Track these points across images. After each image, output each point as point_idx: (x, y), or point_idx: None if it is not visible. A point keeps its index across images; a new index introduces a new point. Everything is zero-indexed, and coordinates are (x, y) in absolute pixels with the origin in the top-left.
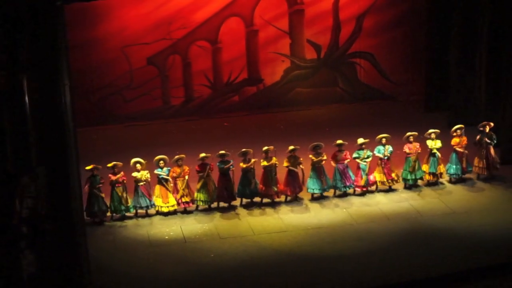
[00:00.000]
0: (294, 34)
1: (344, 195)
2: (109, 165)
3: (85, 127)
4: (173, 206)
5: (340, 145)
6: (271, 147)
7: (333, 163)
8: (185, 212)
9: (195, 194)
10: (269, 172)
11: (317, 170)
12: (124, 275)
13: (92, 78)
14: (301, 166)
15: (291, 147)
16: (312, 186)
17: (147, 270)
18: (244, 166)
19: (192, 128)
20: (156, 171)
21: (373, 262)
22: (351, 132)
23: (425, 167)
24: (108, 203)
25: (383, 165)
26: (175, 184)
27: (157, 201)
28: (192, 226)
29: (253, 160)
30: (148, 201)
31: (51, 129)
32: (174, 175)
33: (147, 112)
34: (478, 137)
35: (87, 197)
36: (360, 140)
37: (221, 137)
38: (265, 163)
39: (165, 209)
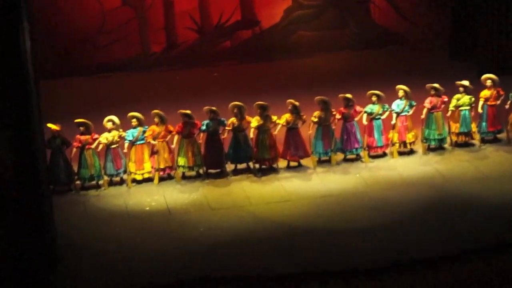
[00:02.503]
0: None
1: (357, 158)
2: (77, 120)
3: (49, 79)
4: (149, 173)
5: (348, 99)
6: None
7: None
8: (169, 178)
9: (176, 159)
10: (263, 133)
11: (324, 129)
12: (99, 252)
13: (57, 21)
14: (302, 122)
15: (291, 102)
16: (318, 148)
17: (125, 246)
18: (236, 123)
19: (175, 79)
20: (125, 135)
21: (391, 236)
22: (363, 83)
23: (453, 126)
24: (76, 169)
25: (400, 123)
26: (154, 146)
27: (131, 166)
28: (177, 195)
29: (248, 118)
30: (113, 169)
31: (9, 82)
32: (151, 136)
33: (122, 61)
34: None
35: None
36: (373, 93)
37: (210, 89)
38: (256, 122)
39: (138, 177)
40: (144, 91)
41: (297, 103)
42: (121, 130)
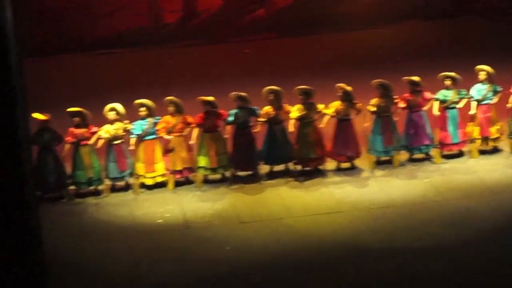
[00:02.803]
0: None
1: (426, 158)
2: (71, 109)
3: (37, 57)
4: (162, 175)
5: (415, 83)
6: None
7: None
8: (187, 183)
9: (196, 158)
10: (307, 126)
11: (383, 122)
12: (98, 276)
13: None
14: (356, 112)
15: (342, 86)
16: (376, 146)
17: (131, 270)
18: (272, 113)
19: (195, 57)
20: (132, 128)
21: (469, 257)
22: (433, 62)
23: None
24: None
25: (481, 114)
26: (168, 143)
27: (139, 168)
28: (197, 204)
29: (287, 107)
30: (116, 170)
31: None
32: (164, 128)
33: (128, 34)
34: None
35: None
36: (447, 75)
37: (239, 70)
38: (298, 112)
39: (148, 181)
40: (155, 72)
41: (349, 88)
42: (126, 121)
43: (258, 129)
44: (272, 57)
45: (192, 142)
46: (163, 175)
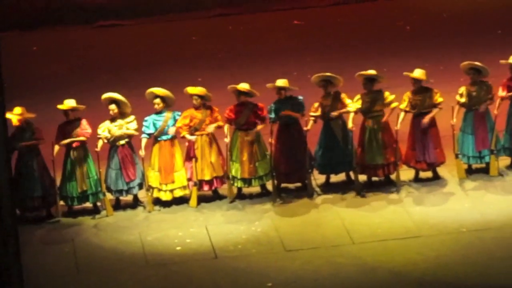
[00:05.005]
0: None
1: None
2: (61, 106)
3: (15, 30)
4: (183, 188)
5: None
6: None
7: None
8: (215, 199)
9: (228, 165)
10: (373, 123)
11: (476, 117)
12: None
13: None
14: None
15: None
16: (465, 149)
17: None
18: (326, 106)
19: (228, 30)
20: (142, 125)
21: None
22: None
23: None
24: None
25: None
26: (191, 146)
27: (152, 178)
28: (228, 227)
29: (346, 98)
30: (121, 181)
31: None
32: (187, 126)
33: (138, 1)
34: None
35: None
36: None
37: (285, 48)
38: (360, 103)
39: (165, 195)
40: (174, 51)
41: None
42: (132, 117)
43: (309, 127)
44: (326, 31)
45: (226, 140)
46: (184, 188)
